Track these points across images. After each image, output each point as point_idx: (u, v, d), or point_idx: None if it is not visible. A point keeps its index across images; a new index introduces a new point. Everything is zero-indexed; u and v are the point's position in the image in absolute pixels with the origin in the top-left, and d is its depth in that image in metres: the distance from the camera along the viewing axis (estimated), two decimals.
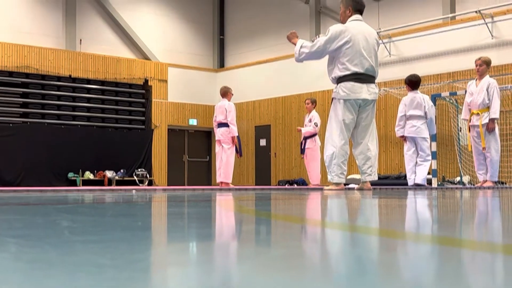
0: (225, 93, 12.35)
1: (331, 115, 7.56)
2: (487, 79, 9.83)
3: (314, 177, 13.12)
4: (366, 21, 7.84)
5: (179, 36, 21.74)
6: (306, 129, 13.06)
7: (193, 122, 21.28)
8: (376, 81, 7.72)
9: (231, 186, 11.78)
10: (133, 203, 3.83)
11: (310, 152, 13.10)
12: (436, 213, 3.02)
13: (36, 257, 1.16)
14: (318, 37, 7.47)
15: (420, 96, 10.19)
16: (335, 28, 7.42)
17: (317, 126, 12.97)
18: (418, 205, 3.84)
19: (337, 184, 7.44)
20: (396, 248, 1.43)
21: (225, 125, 12.05)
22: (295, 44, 7.59)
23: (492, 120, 9.72)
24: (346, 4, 7.58)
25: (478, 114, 9.89)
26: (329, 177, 7.52)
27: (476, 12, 14.53)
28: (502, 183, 10.44)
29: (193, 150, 21.53)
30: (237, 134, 12.22)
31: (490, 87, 9.72)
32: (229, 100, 12.29)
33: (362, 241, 1.59)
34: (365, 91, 7.37)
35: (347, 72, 7.33)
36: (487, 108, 9.79)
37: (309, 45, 7.43)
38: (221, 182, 12.04)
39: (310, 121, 13.06)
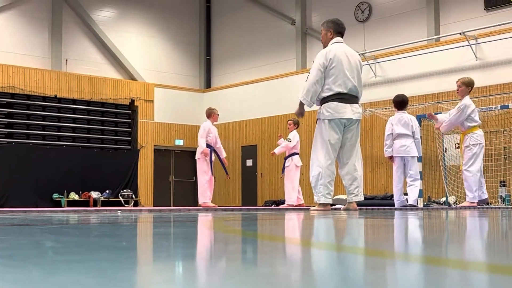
0: (209, 114, 12.34)
1: (316, 136, 7.58)
2: (463, 100, 9.85)
3: (287, 197, 13.05)
4: (351, 42, 7.94)
5: (165, 57, 21.78)
6: (277, 149, 13.09)
7: (179, 142, 21.25)
8: (361, 102, 7.78)
9: (211, 205, 11.67)
10: (118, 224, 3.81)
11: (286, 171, 13.12)
12: (421, 233, 3.03)
13: (19, 277, 1.15)
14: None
15: (407, 116, 10.26)
16: (318, 58, 7.49)
17: (289, 141, 12.96)
18: (405, 226, 3.84)
19: (323, 204, 7.43)
20: (379, 268, 1.43)
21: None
22: (300, 106, 7.61)
23: (439, 125, 9.85)
24: (327, 27, 7.70)
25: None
26: (315, 198, 7.49)
27: (460, 33, 14.70)
28: (488, 203, 10.45)
29: (179, 170, 21.47)
30: (201, 150, 12.09)
31: (459, 105, 9.79)
32: (214, 121, 12.24)
33: (346, 261, 1.59)
34: (349, 111, 7.41)
35: (331, 93, 7.39)
36: (468, 129, 9.83)
37: (305, 89, 7.50)
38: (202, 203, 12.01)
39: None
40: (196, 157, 12.27)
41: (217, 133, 12.64)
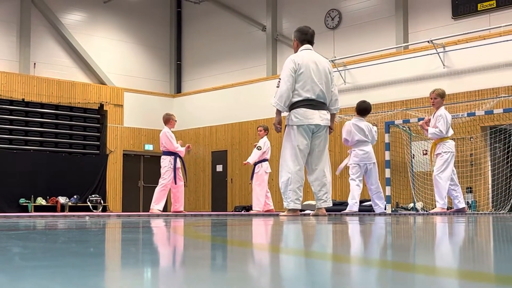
0: (167, 120, 12.13)
1: (285, 142, 7.59)
2: (440, 111, 9.97)
3: (255, 203, 13.02)
4: (321, 49, 8.01)
5: (135, 61, 21.66)
6: (250, 158, 13.05)
7: (149, 147, 21.12)
8: None
9: (156, 211, 11.41)
10: (86, 230, 3.77)
11: (255, 178, 13.11)
12: (388, 238, 3.06)
13: None
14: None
15: (366, 123, 10.32)
16: (287, 64, 7.53)
17: (259, 149, 12.97)
18: (375, 231, 3.88)
19: (293, 210, 7.43)
20: (344, 273, 1.44)
21: (164, 153, 11.86)
22: (278, 114, 7.57)
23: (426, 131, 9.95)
24: (294, 37, 7.81)
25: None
26: (284, 204, 7.50)
27: (428, 41, 14.90)
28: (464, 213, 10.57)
29: (148, 175, 21.33)
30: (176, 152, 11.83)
31: (437, 117, 9.89)
32: (171, 127, 12.03)
33: (313, 267, 1.60)
34: (318, 117, 7.46)
35: (299, 98, 7.42)
36: (440, 139, 9.95)
37: (277, 95, 7.46)
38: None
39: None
40: (171, 166, 11.85)
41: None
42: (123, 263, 1.66)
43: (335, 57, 16.96)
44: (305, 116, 7.42)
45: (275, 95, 7.49)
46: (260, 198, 12.91)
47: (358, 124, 10.15)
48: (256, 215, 9.37)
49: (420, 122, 10.21)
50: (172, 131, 12.27)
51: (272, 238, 3.19)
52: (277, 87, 7.51)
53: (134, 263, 1.65)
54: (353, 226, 4.58)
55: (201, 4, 21.69)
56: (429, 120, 9.88)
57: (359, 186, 10.15)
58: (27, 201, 17.76)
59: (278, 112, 7.55)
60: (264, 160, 13.09)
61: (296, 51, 7.73)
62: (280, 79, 7.54)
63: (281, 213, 7.73)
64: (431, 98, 10.09)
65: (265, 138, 13.19)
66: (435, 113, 10.01)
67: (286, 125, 7.64)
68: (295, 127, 7.46)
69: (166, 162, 11.75)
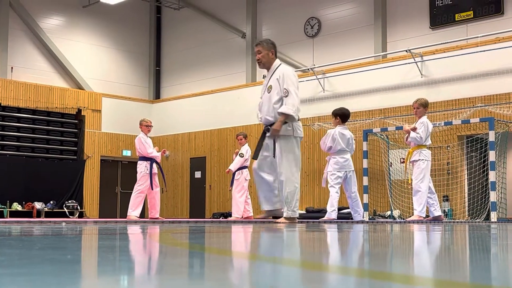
0: (140, 125, 12.13)
1: (288, 153, 7.49)
2: (422, 119, 10.06)
3: (234, 210, 13.00)
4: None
5: (114, 66, 21.56)
6: (233, 166, 13.04)
7: (127, 153, 21.01)
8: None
9: (134, 218, 11.35)
10: (62, 236, 3.74)
11: (235, 184, 13.09)
12: (365, 246, 3.08)
13: None
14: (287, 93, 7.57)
15: (349, 132, 10.37)
16: (295, 76, 7.67)
17: (242, 156, 12.98)
18: (356, 239, 3.90)
19: (293, 218, 7.54)
20: (315, 280, 1.45)
21: (140, 158, 11.82)
22: (281, 123, 7.52)
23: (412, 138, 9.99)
24: (268, 47, 7.67)
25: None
26: (289, 213, 7.52)
27: (406, 51, 15.05)
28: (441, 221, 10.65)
29: (126, 181, 21.20)
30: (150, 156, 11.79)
31: (419, 124, 9.98)
32: (145, 133, 11.98)
33: (292, 275, 1.60)
34: None
35: (298, 112, 7.54)
36: (417, 146, 10.04)
37: (294, 104, 7.43)
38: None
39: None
40: (147, 171, 11.80)
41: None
42: (101, 271, 1.65)
43: (314, 65, 17.05)
44: (301, 129, 7.68)
45: (292, 106, 7.38)
46: (239, 205, 12.90)
47: (343, 133, 10.19)
48: (234, 222, 9.36)
49: (405, 127, 10.25)
50: (150, 137, 12.23)
51: (250, 246, 3.18)
52: (285, 96, 7.44)
53: (111, 270, 1.64)
54: (333, 233, 4.60)
55: (181, 10, 21.68)
56: (415, 128, 9.96)
57: (338, 194, 10.19)
58: (3, 206, 17.56)
59: (285, 121, 7.52)
60: (244, 167, 13.10)
61: (269, 63, 7.70)
62: (287, 89, 7.47)
63: (279, 220, 7.71)
64: (414, 108, 10.18)
65: (246, 145, 13.20)
66: (417, 122, 10.10)
67: (282, 135, 7.51)
68: (298, 139, 7.62)
69: (142, 168, 11.70)
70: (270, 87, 7.60)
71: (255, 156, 7.79)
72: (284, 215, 7.56)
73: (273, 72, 7.64)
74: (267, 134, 7.63)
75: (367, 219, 12.92)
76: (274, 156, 7.56)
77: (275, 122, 7.46)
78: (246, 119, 18.48)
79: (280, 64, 7.75)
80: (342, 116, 10.32)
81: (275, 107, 7.50)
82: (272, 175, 7.70)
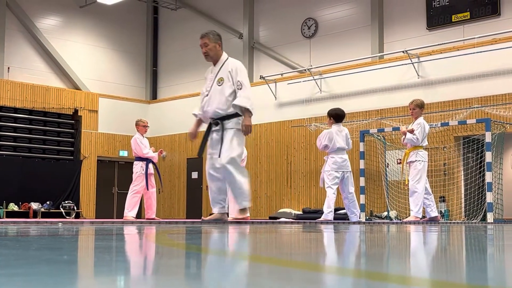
0: (136, 125, 12.15)
1: (238, 146, 7.35)
2: (419, 120, 10.08)
3: (231, 208, 13.01)
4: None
5: (111, 67, 21.54)
6: None
7: (123, 153, 20.99)
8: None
9: (130, 219, 11.36)
10: (59, 237, 3.74)
11: None
12: (363, 247, 3.08)
13: None
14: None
15: (345, 131, 10.40)
16: (245, 70, 7.72)
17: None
18: (354, 239, 3.90)
19: (245, 210, 7.50)
20: (312, 281, 1.45)
21: (136, 158, 11.84)
22: (249, 117, 7.43)
23: (409, 139, 9.98)
24: (215, 40, 7.51)
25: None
26: (245, 204, 7.47)
27: (403, 52, 15.07)
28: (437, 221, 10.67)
29: (123, 182, 21.16)
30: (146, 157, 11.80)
31: (416, 125, 10.00)
32: (142, 133, 11.99)
33: (288, 275, 1.61)
34: None
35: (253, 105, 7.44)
36: (414, 147, 10.06)
37: (250, 97, 7.41)
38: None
39: None
40: (142, 172, 11.80)
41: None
42: (97, 271, 1.65)
43: (311, 65, 17.05)
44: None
45: (247, 99, 7.30)
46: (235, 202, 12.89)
47: (339, 130, 10.25)
48: (231, 222, 9.35)
49: (402, 129, 10.26)
50: (147, 137, 12.24)
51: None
52: (239, 89, 7.36)
53: (108, 271, 1.64)
54: (329, 234, 4.60)
55: (178, 10, 21.67)
56: (412, 130, 9.97)
57: (335, 195, 10.20)
58: None
59: (251, 115, 7.45)
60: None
61: (217, 56, 7.54)
62: (241, 81, 7.41)
63: (234, 216, 7.70)
64: (410, 109, 10.21)
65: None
66: (413, 123, 10.12)
67: (230, 128, 7.41)
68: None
69: (137, 168, 11.72)
70: (221, 79, 7.38)
71: (198, 153, 7.72)
72: (237, 207, 7.52)
73: (222, 65, 7.49)
74: (214, 128, 7.45)
75: (364, 220, 12.93)
76: (219, 156, 7.29)
77: (244, 118, 7.29)
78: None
79: (228, 57, 7.63)
80: (336, 116, 10.36)
81: (229, 99, 7.31)
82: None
